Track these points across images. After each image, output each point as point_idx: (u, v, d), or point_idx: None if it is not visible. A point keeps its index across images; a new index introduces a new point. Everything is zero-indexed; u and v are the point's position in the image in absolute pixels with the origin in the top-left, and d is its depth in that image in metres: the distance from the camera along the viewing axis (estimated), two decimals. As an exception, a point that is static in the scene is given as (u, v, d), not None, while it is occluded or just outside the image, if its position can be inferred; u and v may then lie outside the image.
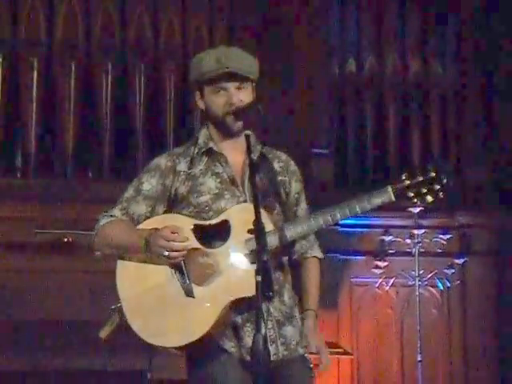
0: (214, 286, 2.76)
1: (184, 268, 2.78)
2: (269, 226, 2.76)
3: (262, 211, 2.72)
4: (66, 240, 5.35)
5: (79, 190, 5.57)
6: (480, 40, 6.30)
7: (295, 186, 3.01)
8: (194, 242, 2.78)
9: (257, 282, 2.47)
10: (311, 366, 2.92)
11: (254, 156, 2.88)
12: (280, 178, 2.97)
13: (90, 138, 5.86)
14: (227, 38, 5.99)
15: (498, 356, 5.82)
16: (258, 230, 2.57)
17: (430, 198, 2.83)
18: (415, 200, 2.83)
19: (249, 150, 2.76)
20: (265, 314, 2.65)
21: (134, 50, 5.94)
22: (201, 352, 2.80)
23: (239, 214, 2.76)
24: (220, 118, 2.90)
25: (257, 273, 2.49)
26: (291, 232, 2.81)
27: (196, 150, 2.95)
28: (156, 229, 2.77)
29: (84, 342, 4.87)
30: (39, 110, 5.77)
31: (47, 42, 5.85)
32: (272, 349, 2.79)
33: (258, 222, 2.57)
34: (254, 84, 2.94)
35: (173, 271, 2.79)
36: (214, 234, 2.80)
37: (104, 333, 2.94)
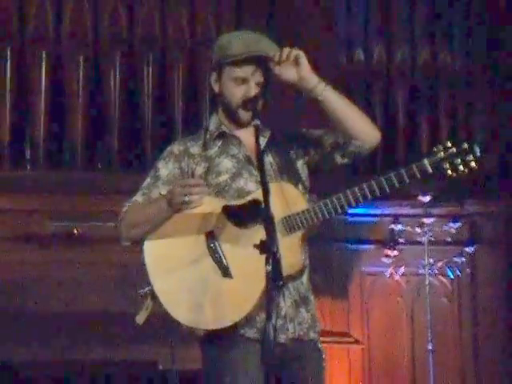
0: (251, 264, 2.71)
1: (219, 248, 2.78)
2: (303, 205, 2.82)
3: (292, 187, 2.83)
4: (75, 232, 5.36)
5: (88, 181, 5.58)
6: (489, 28, 6.27)
7: (298, 132, 3.04)
8: (226, 223, 2.78)
9: (267, 272, 2.47)
10: (324, 356, 2.93)
11: (263, 142, 2.91)
12: (291, 153, 2.98)
13: (98, 129, 5.87)
14: (234, 27, 5.98)
15: (509, 344, 5.81)
16: (266, 220, 2.55)
17: (463, 169, 2.83)
18: (450, 172, 2.83)
19: (257, 142, 2.76)
20: (285, 292, 2.74)
21: (141, 40, 5.94)
22: (223, 341, 2.80)
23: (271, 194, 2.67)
24: (233, 107, 2.92)
25: (266, 263, 2.48)
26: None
27: (208, 136, 2.96)
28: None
29: (102, 333, 4.90)
30: (48, 103, 5.78)
31: (55, 35, 5.85)
32: (290, 327, 2.83)
33: (267, 211, 2.56)
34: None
35: (206, 251, 2.79)
36: (243, 214, 2.79)
37: (140, 318, 2.89)
